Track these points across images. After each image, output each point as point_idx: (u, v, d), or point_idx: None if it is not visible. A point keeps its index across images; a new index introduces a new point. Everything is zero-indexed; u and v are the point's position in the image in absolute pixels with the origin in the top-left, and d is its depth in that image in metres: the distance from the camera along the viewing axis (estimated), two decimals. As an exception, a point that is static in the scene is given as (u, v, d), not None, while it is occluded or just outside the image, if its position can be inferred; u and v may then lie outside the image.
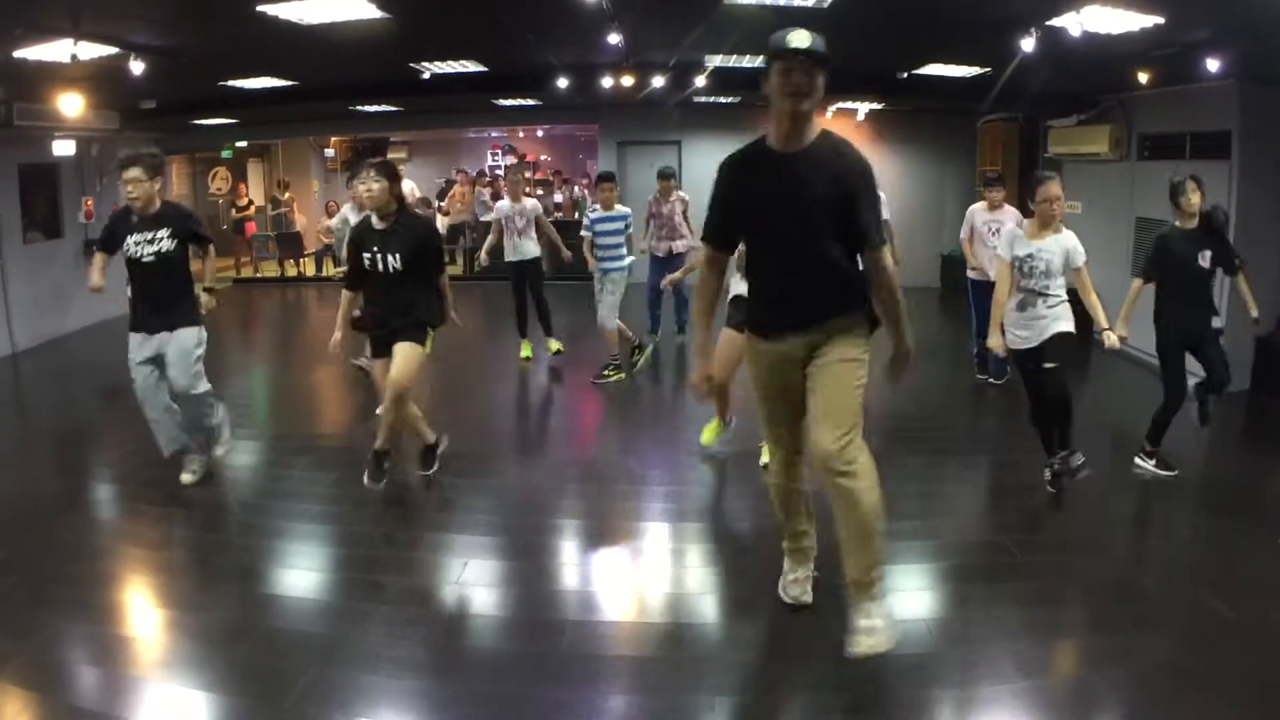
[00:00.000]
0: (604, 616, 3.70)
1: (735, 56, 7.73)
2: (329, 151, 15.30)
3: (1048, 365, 4.69)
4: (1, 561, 4.04)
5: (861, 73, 9.03)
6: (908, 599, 3.86)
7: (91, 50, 5.68)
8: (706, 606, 3.78)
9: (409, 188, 14.80)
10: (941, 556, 4.22)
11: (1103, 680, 3.15)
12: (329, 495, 4.98)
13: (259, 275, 14.44)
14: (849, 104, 11.54)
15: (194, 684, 3.13)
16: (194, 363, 4.80)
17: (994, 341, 4.84)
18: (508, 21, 5.82)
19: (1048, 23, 5.26)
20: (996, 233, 6.90)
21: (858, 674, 3.17)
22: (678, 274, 7.38)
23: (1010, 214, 6.97)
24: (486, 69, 8.39)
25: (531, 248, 7.78)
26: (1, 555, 4.10)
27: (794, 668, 3.28)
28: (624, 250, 7.33)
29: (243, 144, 14.39)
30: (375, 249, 4.62)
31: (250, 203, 14.87)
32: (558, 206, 15.53)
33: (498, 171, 17.15)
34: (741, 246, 3.49)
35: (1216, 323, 4.96)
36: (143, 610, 3.81)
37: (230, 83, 8.46)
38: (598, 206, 7.44)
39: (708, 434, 5.59)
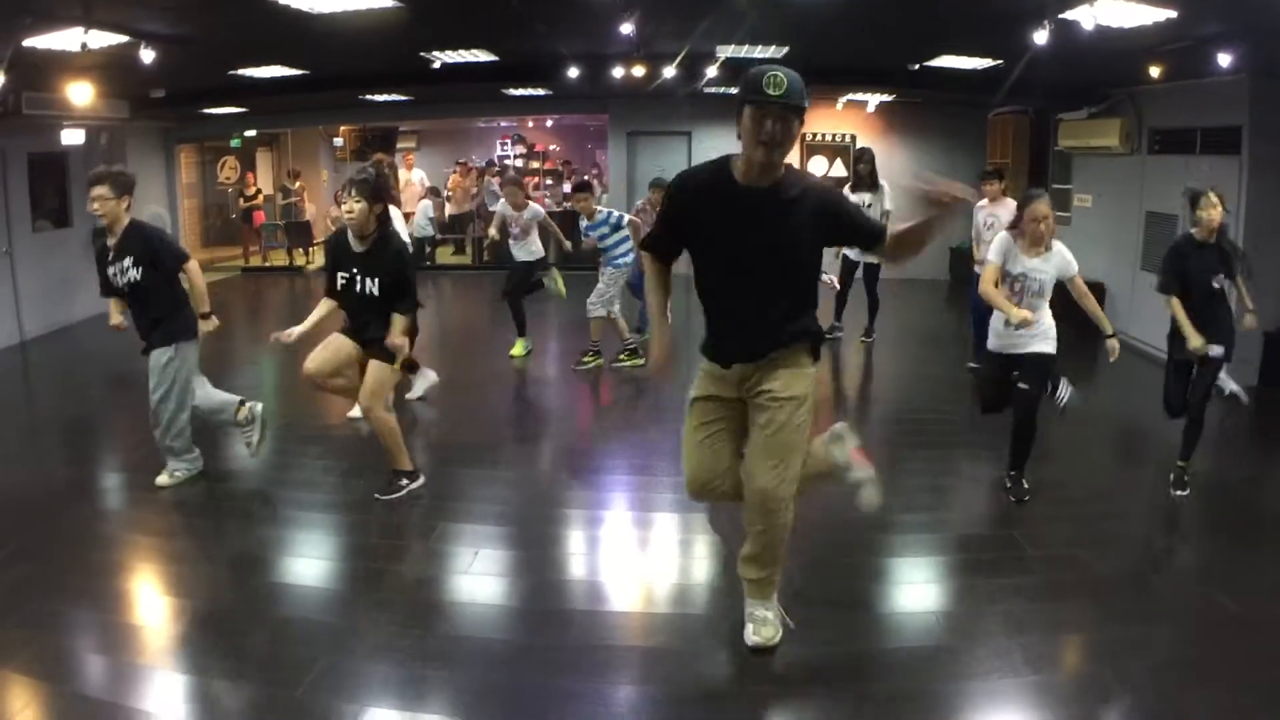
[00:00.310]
0: (613, 607, 3.73)
1: (747, 47, 7.71)
2: (338, 140, 15.27)
3: (1021, 386, 4.65)
4: (12, 551, 4.07)
5: (873, 65, 9.03)
6: (916, 592, 3.89)
7: (102, 39, 5.68)
8: (715, 597, 3.78)
9: (419, 177, 14.96)
10: (950, 550, 4.24)
11: (1111, 674, 3.16)
12: (339, 484, 5.01)
13: (268, 264, 14.46)
14: (860, 96, 11.50)
15: (206, 672, 3.16)
16: (164, 382, 4.73)
17: (1015, 315, 4.51)
18: (519, 11, 5.81)
19: (1060, 16, 5.23)
20: (991, 226, 6.87)
21: (866, 666, 3.18)
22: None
23: (1009, 206, 6.89)
24: (497, 59, 8.39)
25: (525, 252, 7.75)
26: (12, 545, 4.12)
27: (804, 658, 3.29)
28: (624, 248, 7.36)
29: (251, 133, 14.38)
30: (355, 271, 4.56)
31: (258, 192, 14.87)
32: (566, 197, 15.51)
33: (506, 161, 17.14)
34: None
35: (1215, 350, 4.68)
36: (154, 599, 3.83)
37: (240, 72, 8.47)
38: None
39: None
